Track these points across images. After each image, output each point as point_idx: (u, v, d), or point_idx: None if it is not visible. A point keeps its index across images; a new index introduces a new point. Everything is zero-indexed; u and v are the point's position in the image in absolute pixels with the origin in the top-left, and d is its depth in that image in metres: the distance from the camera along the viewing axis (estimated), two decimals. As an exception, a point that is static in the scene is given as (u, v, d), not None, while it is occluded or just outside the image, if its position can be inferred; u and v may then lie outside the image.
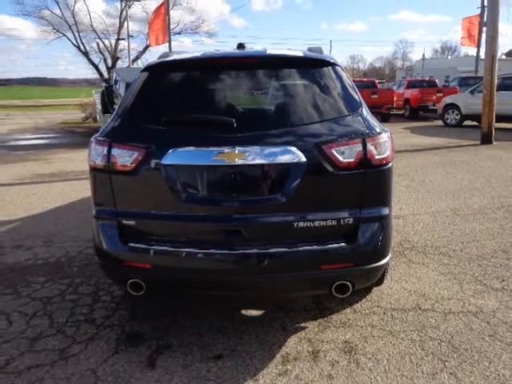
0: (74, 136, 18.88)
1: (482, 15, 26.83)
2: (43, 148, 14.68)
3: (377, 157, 2.98)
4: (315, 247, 2.94)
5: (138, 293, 3.10)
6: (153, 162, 2.95)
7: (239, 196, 2.94)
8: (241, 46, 3.72)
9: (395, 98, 22.62)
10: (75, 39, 43.23)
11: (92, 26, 42.93)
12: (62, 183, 8.96)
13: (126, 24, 36.82)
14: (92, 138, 3.21)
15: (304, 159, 2.86)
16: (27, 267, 4.59)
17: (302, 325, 3.41)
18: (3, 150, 14.46)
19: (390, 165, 3.07)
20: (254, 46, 4.93)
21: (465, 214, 6.16)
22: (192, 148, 2.91)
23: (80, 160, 11.62)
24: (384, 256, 3.11)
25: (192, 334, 3.30)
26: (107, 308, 3.69)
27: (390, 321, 3.43)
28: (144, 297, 3.27)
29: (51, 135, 19.30)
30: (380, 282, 3.60)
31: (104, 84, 17.85)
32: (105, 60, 44.60)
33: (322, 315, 3.53)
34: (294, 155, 2.86)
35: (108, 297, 3.88)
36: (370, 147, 2.96)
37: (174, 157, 2.90)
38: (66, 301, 3.83)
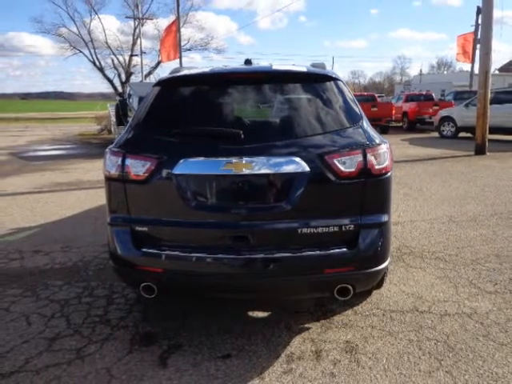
0: (90, 147, 18.98)
1: (476, 32, 26.86)
2: (60, 158, 14.76)
3: (376, 167, 2.99)
4: (318, 252, 2.94)
5: (151, 295, 3.11)
6: (164, 172, 2.97)
7: (246, 204, 2.96)
8: (248, 61, 3.75)
9: (394, 111, 22.67)
10: (91, 55, 43.72)
11: (107, 42, 43.45)
12: (79, 191, 9.01)
13: (139, 41, 37.25)
14: (107, 149, 3.23)
15: (307, 169, 2.87)
16: (46, 271, 4.62)
17: (306, 326, 3.41)
18: (23, 160, 14.56)
19: (389, 174, 3.08)
20: (261, 62, 4.97)
21: (460, 221, 6.15)
22: (202, 158, 2.93)
23: (96, 169, 11.67)
24: (383, 260, 3.11)
25: (201, 335, 3.30)
26: (121, 310, 3.71)
27: (388, 322, 3.42)
28: (156, 299, 3.28)
29: (68, 146, 19.42)
30: (380, 285, 3.60)
31: (118, 98, 17.99)
32: (119, 75, 45.00)
33: (324, 316, 3.53)
34: (298, 165, 2.87)
35: (122, 299, 3.89)
36: (370, 157, 2.97)
37: (184, 167, 2.92)
38: (83, 303, 3.84)
